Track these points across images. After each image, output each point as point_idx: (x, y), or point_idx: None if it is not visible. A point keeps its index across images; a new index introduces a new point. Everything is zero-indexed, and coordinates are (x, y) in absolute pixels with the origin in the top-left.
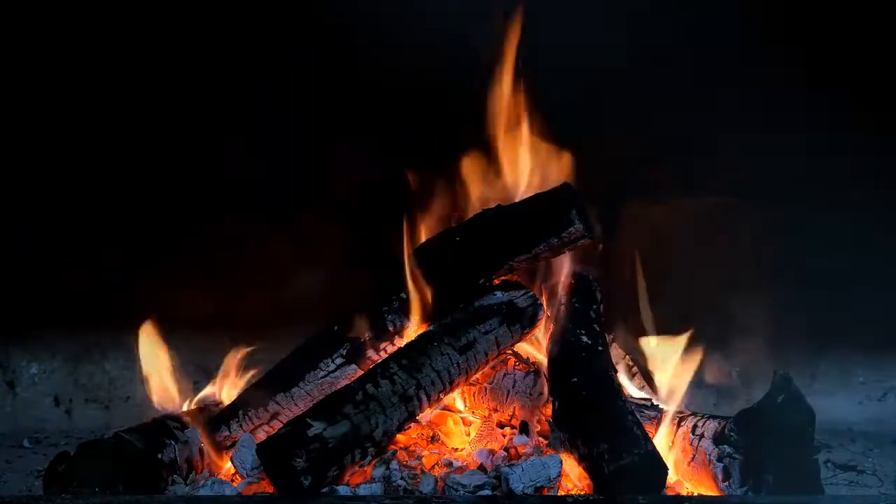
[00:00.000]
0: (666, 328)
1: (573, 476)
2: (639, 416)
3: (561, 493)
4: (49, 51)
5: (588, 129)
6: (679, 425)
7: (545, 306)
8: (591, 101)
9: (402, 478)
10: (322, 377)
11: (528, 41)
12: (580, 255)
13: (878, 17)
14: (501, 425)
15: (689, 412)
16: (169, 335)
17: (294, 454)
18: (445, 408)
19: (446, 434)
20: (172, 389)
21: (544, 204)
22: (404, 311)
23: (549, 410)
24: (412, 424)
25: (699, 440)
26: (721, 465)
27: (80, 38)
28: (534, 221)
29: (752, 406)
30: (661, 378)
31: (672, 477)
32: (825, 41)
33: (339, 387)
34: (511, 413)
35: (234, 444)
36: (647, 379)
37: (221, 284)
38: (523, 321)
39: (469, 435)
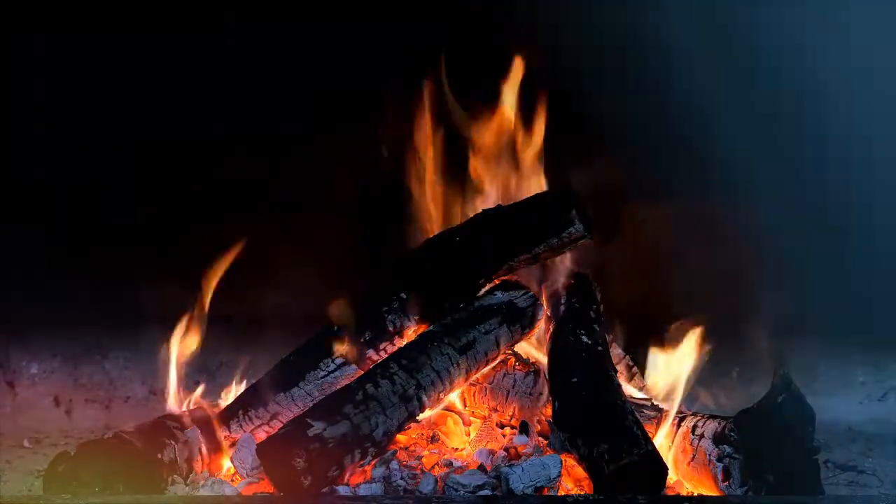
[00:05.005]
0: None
1: (573, 476)
2: (639, 416)
3: (561, 493)
4: None
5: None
6: (679, 425)
7: (545, 306)
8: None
9: (402, 478)
10: (322, 377)
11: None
12: (580, 255)
13: None
14: (501, 425)
15: (689, 412)
16: (169, 335)
17: (294, 454)
18: (445, 408)
19: (446, 434)
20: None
21: (544, 204)
22: (404, 311)
23: (549, 410)
24: (412, 424)
25: (699, 440)
26: (721, 465)
27: None
28: (534, 221)
29: (752, 406)
30: (662, 378)
31: (672, 477)
32: None
33: (339, 387)
34: (511, 413)
35: (234, 444)
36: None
37: (221, 284)
38: (523, 321)
39: (469, 435)
